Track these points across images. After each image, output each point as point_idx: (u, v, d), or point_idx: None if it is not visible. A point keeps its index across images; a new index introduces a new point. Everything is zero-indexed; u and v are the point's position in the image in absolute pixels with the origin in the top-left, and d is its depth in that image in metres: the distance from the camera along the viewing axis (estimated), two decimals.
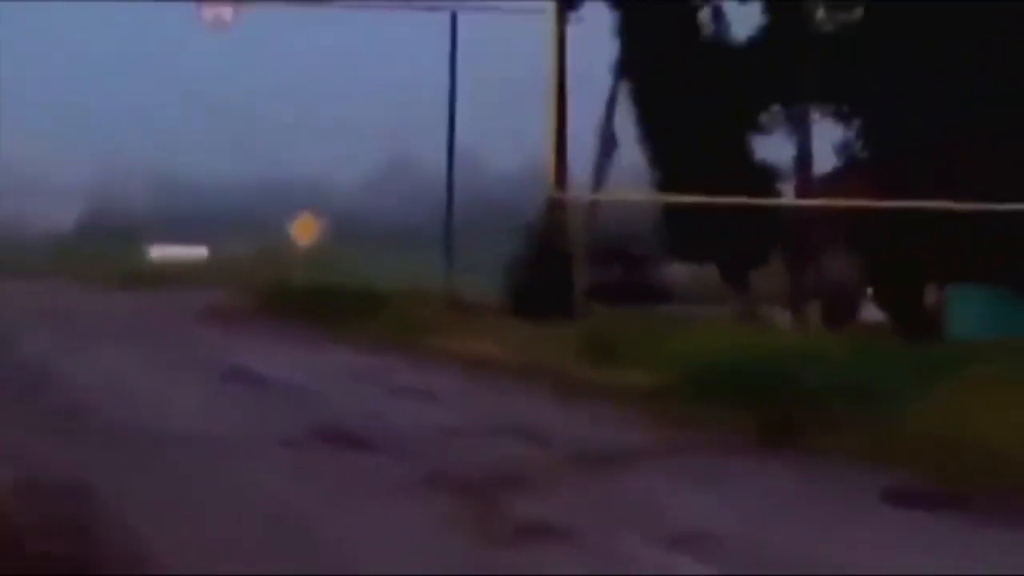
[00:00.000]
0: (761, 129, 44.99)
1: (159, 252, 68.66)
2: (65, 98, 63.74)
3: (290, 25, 62.38)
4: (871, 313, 40.02)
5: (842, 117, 42.11)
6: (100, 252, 66.98)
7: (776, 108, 44.32)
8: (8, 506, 17.26)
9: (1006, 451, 20.63)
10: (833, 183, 42.31)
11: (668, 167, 44.68)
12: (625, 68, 46.18)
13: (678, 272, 47.63)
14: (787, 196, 43.99)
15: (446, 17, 50.50)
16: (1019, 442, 20.82)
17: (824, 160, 43.65)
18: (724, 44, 44.84)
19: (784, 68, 42.91)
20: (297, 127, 64.39)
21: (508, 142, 52.21)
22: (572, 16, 47.12)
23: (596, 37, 46.44)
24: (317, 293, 50.51)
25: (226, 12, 55.62)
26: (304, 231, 65.91)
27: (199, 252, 67.95)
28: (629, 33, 45.52)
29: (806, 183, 44.12)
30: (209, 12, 55.89)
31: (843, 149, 42.48)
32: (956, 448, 21.25)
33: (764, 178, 44.20)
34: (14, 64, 61.58)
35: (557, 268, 44.34)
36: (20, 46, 61.77)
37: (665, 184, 44.67)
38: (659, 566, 15.99)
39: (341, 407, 28.45)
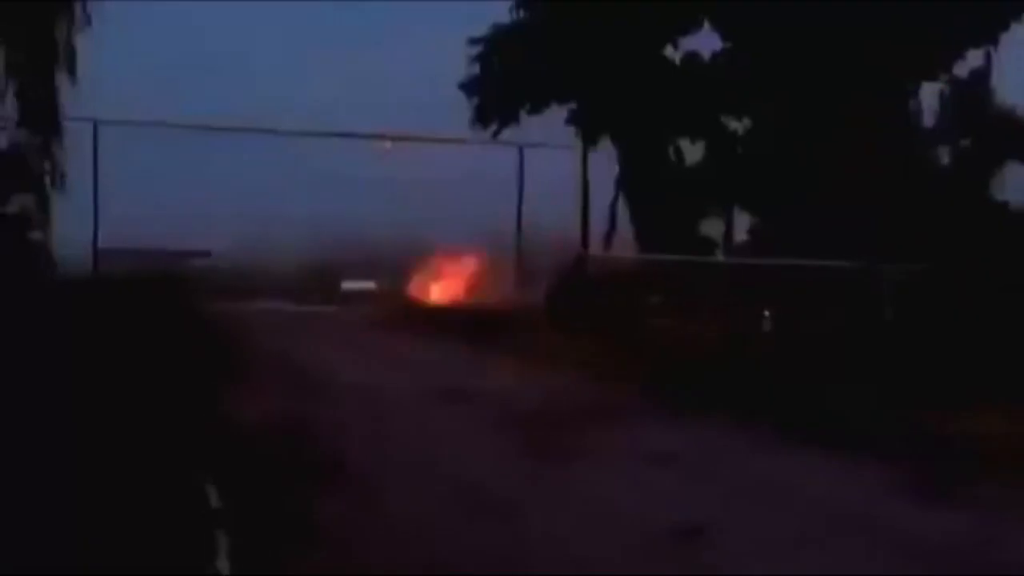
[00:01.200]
0: (704, 216, 44.82)
1: (347, 284, 68.67)
2: (291, 193, 64.22)
3: (425, 154, 62.36)
4: (767, 324, 39.82)
5: (752, 210, 42.07)
6: (312, 283, 67.01)
7: (712, 204, 44.19)
8: (262, 432, 17.44)
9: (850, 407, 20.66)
10: (745, 249, 42.23)
11: (647, 238, 44.63)
12: (622, 180, 46.15)
13: (654, 300, 47.35)
14: (719, 256, 43.85)
15: (516, 150, 50.49)
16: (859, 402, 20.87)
17: (740, 235, 43.53)
18: (681, 167, 44.78)
19: (718, 180, 42.84)
20: (428, 215, 64.41)
21: (553, 222, 52.01)
22: (592, 149, 47.14)
23: (606, 162, 46.43)
24: (436, 309, 50.39)
25: (387, 144, 55.99)
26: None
27: (370, 284, 67.90)
28: (625, 160, 45.52)
29: (730, 249, 44.01)
30: (376, 145, 56.23)
31: (751, 229, 42.43)
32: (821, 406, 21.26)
33: (706, 245, 44.10)
34: (257, 179, 61.86)
35: (582, 297, 44.27)
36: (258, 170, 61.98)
37: (646, 248, 44.58)
38: (641, 472, 16.15)
39: (452, 375, 28.54)
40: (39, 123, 17.28)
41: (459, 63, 46.05)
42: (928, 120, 38.13)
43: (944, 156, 38.01)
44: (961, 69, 37.76)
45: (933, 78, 37.65)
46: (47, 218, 17.37)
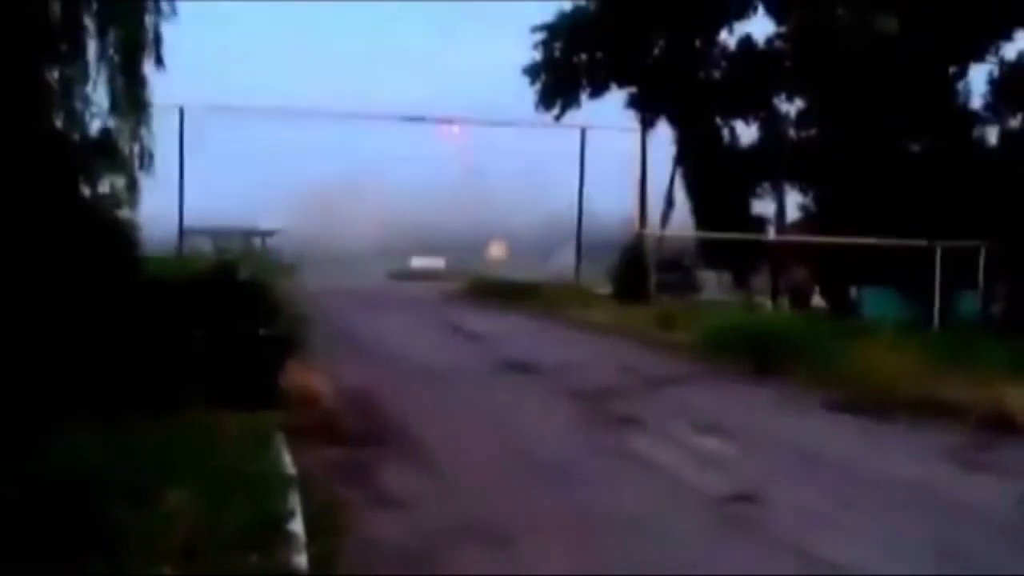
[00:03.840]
0: (756, 195, 44.67)
1: (417, 262, 68.97)
2: (364, 185, 64.63)
3: (490, 136, 62.56)
4: (818, 301, 39.60)
5: (802, 189, 41.72)
6: (385, 260, 67.34)
7: (765, 183, 44.01)
8: (332, 403, 17.51)
9: (892, 380, 20.55)
10: (796, 227, 41.97)
11: (703, 216, 44.52)
12: (679, 159, 46.08)
13: (708, 276, 47.25)
14: (770, 234, 43.63)
15: (577, 132, 50.49)
16: (900, 375, 20.74)
17: (792, 213, 43.29)
18: (736, 148, 44.59)
19: (770, 161, 42.63)
20: (493, 193, 64.45)
21: (613, 202, 51.94)
22: (651, 131, 47.16)
23: (663, 143, 46.43)
24: (503, 285, 50.32)
25: (455, 129, 56.22)
26: (497, 249, 66.27)
27: (439, 262, 68.14)
28: (682, 140, 45.46)
29: (781, 226, 43.80)
30: (445, 129, 56.39)
31: (802, 207, 42.10)
32: (863, 378, 21.17)
33: (757, 223, 43.92)
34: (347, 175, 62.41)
35: (640, 273, 44.28)
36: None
37: (701, 225, 44.51)
38: (694, 440, 16.14)
39: (517, 348, 28.54)
40: (127, 109, 17.40)
41: (523, 51, 46.32)
42: (977, 100, 37.76)
43: (992, 135, 37.68)
44: (1009, 51, 37.38)
45: (981, 59, 37.27)
46: (135, 198, 17.51)
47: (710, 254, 45.17)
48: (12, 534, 9.06)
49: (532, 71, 46.00)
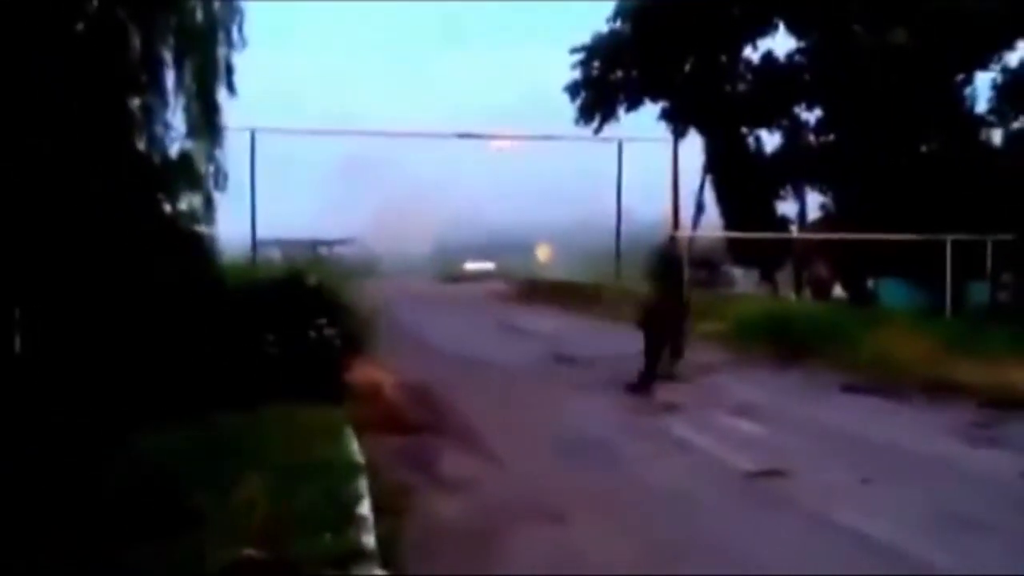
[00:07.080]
0: (780, 197, 44.40)
1: (470, 265, 69.07)
2: (420, 196, 64.99)
3: (536, 151, 62.84)
4: (838, 293, 39.31)
5: (822, 190, 41.55)
6: (440, 265, 67.53)
7: (787, 186, 43.77)
8: (395, 395, 17.58)
9: (907, 364, 20.49)
10: (817, 225, 41.76)
11: (731, 217, 44.29)
12: (709, 166, 45.90)
13: (737, 272, 47.03)
14: (793, 232, 43.36)
15: (615, 144, 50.47)
16: (915, 359, 20.65)
17: (813, 213, 43.05)
18: (760, 154, 44.39)
19: (792, 165, 42.40)
20: (541, 201, 64.67)
21: (648, 205, 51.94)
22: (682, 141, 47.08)
23: (693, 150, 46.29)
24: (548, 285, 50.47)
25: (506, 144, 56.31)
26: (543, 252, 66.35)
27: (489, 264, 68.21)
28: (711, 149, 45.30)
29: (803, 225, 43.55)
30: (495, 144, 56.54)
31: (823, 207, 41.92)
32: (880, 362, 21.11)
33: (781, 223, 43.63)
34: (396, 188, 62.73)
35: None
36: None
37: (729, 226, 44.29)
38: (727, 423, 16.09)
39: (563, 342, 28.54)
40: (203, 132, 17.65)
41: (562, 69, 46.45)
42: (982, 105, 37.59)
43: (997, 137, 37.49)
44: (1011, 59, 37.18)
45: (985, 67, 37.07)
46: (211, 214, 17.75)
47: (738, 252, 44.93)
48: (105, 518, 9.18)
49: (572, 89, 46.11)
